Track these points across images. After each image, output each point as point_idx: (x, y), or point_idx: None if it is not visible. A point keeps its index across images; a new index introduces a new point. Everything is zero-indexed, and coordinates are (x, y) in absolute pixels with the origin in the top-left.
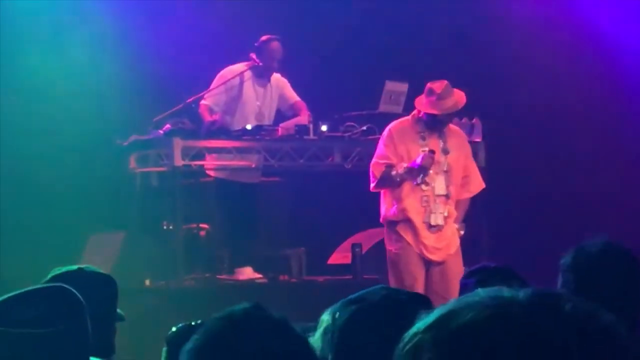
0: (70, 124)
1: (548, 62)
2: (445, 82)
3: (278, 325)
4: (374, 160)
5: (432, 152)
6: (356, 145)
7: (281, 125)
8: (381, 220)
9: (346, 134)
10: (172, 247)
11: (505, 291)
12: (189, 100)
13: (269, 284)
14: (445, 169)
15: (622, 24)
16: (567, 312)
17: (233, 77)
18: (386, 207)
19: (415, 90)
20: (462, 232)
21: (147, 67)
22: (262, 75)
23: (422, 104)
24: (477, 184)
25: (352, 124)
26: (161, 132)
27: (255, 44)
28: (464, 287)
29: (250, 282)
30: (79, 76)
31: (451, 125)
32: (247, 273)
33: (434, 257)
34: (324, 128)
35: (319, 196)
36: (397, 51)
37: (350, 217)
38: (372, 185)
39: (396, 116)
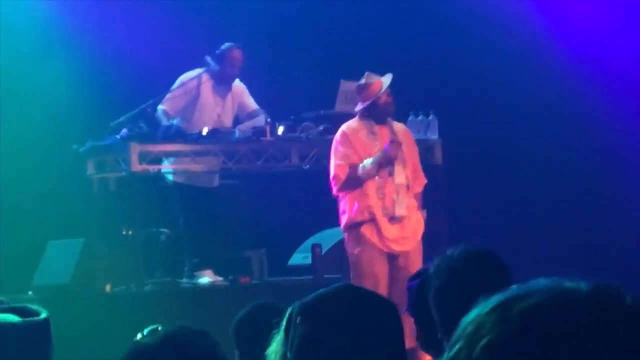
0: (27, 131)
1: (505, 57)
2: (366, 72)
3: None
4: (335, 162)
5: (393, 141)
6: (314, 145)
7: (238, 127)
8: (343, 225)
9: (303, 135)
10: (132, 252)
11: (567, 281)
12: (145, 105)
13: (230, 286)
14: (401, 160)
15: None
16: (629, 303)
17: (191, 82)
18: (348, 209)
19: None
20: (424, 216)
21: (103, 71)
22: (222, 82)
23: (358, 103)
24: (422, 178)
25: (309, 124)
26: (118, 137)
27: (217, 52)
28: (409, 290)
29: (211, 286)
30: (33, 81)
31: (396, 123)
32: (207, 276)
33: (402, 247)
34: (280, 129)
35: (278, 197)
36: (351, 50)
37: (310, 218)
38: (335, 188)
39: (352, 115)
